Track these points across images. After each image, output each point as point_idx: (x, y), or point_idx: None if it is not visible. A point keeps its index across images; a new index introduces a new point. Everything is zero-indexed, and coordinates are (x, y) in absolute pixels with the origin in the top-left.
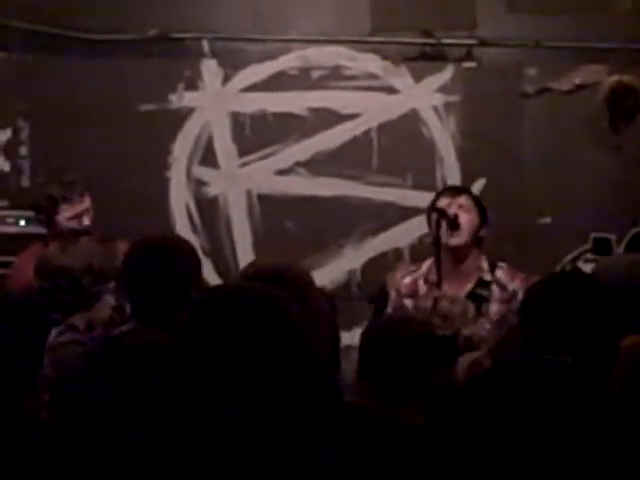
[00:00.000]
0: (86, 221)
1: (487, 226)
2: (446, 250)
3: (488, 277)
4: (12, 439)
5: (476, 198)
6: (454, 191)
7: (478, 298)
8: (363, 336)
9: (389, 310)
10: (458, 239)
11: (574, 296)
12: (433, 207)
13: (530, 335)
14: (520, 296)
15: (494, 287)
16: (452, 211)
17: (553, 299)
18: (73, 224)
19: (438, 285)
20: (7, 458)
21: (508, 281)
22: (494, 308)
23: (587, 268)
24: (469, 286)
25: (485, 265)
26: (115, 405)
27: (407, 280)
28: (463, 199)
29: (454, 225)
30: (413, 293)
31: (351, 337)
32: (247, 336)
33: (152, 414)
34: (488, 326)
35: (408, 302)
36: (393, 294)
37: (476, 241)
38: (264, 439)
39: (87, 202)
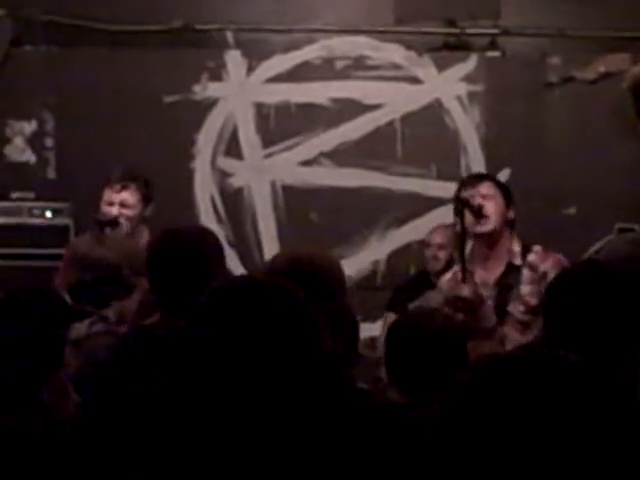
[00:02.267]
0: (114, 211)
1: (514, 207)
2: (476, 238)
3: (518, 261)
4: (36, 431)
5: (498, 182)
6: (475, 180)
7: (507, 285)
8: (390, 329)
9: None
10: (485, 227)
11: (594, 286)
12: (457, 197)
13: (551, 326)
14: (550, 277)
15: (524, 270)
16: (477, 201)
17: (572, 289)
18: (106, 210)
19: (463, 277)
20: (31, 451)
21: (539, 262)
22: (525, 290)
23: None
24: (499, 271)
25: (517, 248)
26: (147, 396)
27: (448, 276)
28: (485, 187)
29: (479, 214)
30: (454, 287)
31: (376, 328)
32: (260, 329)
33: (183, 403)
34: (522, 308)
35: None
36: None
37: (506, 225)
38: (279, 432)
39: (125, 196)
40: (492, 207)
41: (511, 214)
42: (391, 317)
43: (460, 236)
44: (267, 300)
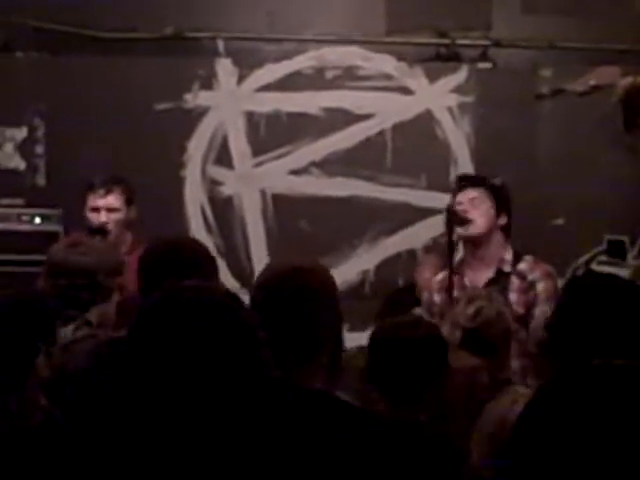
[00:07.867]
0: (103, 218)
1: (507, 213)
2: (463, 241)
3: (508, 269)
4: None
5: (493, 188)
6: (466, 185)
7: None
8: (371, 338)
9: (421, 307)
10: (470, 230)
11: (614, 298)
12: (446, 208)
13: (568, 339)
14: (539, 287)
15: (513, 278)
16: (462, 208)
17: (593, 301)
18: (92, 217)
19: (450, 284)
20: None
21: (529, 271)
22: (513, 298)
23: (601, 270)
24: (488, 276)
25: (508, 256)
26: (118, 403)
27: (439, 277)
28: (475, 192)
29: (463, 223)
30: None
31: (364, 338)
32: (194, 338)
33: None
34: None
35: (437, 298)
36: (425, 295)
37: (496, 229)
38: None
39: (111, 201)
40: (477, 213)
41: (502, 220)
42: None
43: (449, 245)
44: (206, 307)
